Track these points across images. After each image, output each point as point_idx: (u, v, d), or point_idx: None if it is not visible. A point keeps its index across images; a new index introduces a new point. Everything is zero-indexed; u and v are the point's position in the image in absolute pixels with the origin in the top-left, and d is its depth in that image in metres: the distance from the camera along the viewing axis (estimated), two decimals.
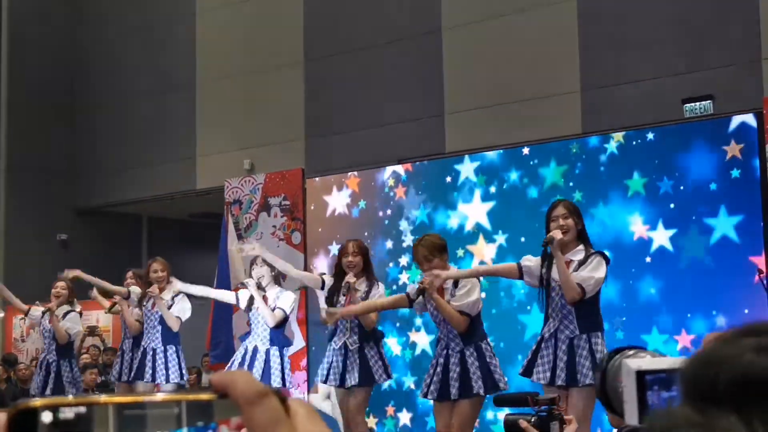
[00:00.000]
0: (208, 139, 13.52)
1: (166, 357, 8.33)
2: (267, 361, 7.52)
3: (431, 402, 6.55)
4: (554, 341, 5.69)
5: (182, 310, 8.38)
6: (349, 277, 6.82)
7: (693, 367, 0.70)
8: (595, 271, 5.63)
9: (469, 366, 6.06)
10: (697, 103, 9.45)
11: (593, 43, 10.31)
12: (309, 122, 12.38)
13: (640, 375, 0.77)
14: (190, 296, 8.42)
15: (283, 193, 11.12)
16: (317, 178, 11.07)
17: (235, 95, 13.20)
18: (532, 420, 3.12)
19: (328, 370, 6.93)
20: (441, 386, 6.14)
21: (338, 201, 10.67)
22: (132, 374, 8.45)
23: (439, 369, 6.21)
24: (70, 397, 0.59)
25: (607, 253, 6.00)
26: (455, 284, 6.17)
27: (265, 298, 7.63)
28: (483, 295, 6.38)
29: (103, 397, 0.60)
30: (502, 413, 4.24)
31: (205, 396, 0.62)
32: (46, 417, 0.58)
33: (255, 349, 7.60)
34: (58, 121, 15.06)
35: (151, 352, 8.35)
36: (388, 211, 10.36)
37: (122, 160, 14.42)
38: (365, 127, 11.74)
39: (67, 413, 0.58)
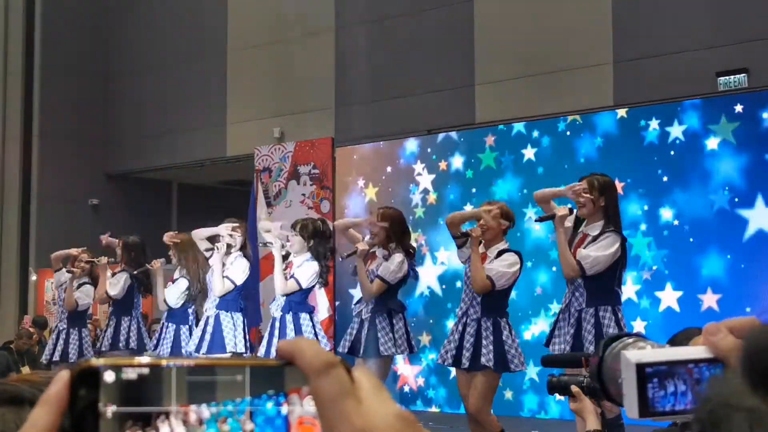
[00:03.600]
0: (238, 106, 13.53)
1: (177, 335, 8.25)
2: (282, 328, 7.25)
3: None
4: (568, 313, 5.75)
5: (171, 294, 8.25)
6: (360, 244, 6.75)
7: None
8: (601, 249, 5.61)
9: (483, 339, 6.06)
10: (732, 77, 9.34)
11: (626, 15, 10.19)
12: (339, 91, 12.36)
13: (640, 368, 0.76)
14: None
15: (313, 162, 11.13)
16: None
17: (266, 63, 13.18)
18: (584, 383, 2.82)
19: (345, 337, 6.91)
20: (456, 353, 6.16)
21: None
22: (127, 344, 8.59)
23: (456, 336, 6.21)
24: (135, 358, 0.59)
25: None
26: (498, 256, 6.14)
27: (290, 264, 7.36)
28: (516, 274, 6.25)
29: (167, 360, 0.60)
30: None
31: (271, 362, 0.61)
32: (109, 377, 0.58)
33: (273, 318, 7.39)
34: (90, 87, 15.13)
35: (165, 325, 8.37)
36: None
37: (153, 126, 14.48)
38: (395, 97, 11.70)
39: (130, 374, 0.59)
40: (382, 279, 6.65)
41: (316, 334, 7.34)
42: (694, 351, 0.79)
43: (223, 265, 7.76)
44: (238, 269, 7.77)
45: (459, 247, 6.41)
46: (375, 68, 11.97)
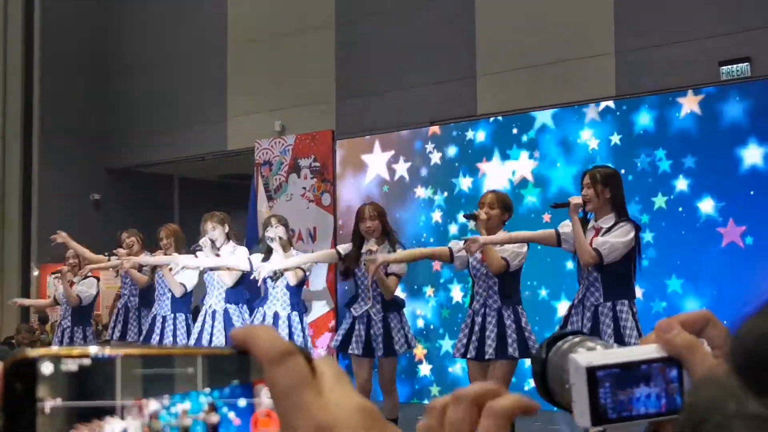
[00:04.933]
0: (239, 100, 13.50)
1: (175, 325, 8.23)
2: (290, 326, 7.28)
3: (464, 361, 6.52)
4: (582, 308, 5.72)
5: (187, 278, 8.23)
6: (371, 245, 6.73)
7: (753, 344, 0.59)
8: (617, 237, 5.61)
9: (506, 327, 6.06)
10: (735, 66, 9.28)
11: (628, 5, 10.14)
12: (339, 84, 12.33)
13: (591, 372, 0.70)
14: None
15: (313, 155, 11.09)
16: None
17: (266, 57, 13.15)
18: None
19: (348, 338, 6.83)
20: (479, 345, 6.14)
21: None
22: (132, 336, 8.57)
23: (476, 328, 6.20)
24: (74, 348, 0.55)
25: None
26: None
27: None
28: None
29: (111, 349, 0.55)
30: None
31: (224, 351, 0.57)
32: (46, 368, 0.54)
33: (276, 315, 7.33)
34: (91, 83, 15.11)
35: (160, 320, 8.29)
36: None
37: (154, 121, 14.46)
38: (396, 89, 11.67)
39: (70, 365, 0.54)
40: (396, 275, 6.75)
41: (305, 331, 7.42)
42: (647, 350, 0.73)
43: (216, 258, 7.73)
44: (242, 257, 7.72)
45: (450, 261, 6.47)
46: (375, 60, 11.93)
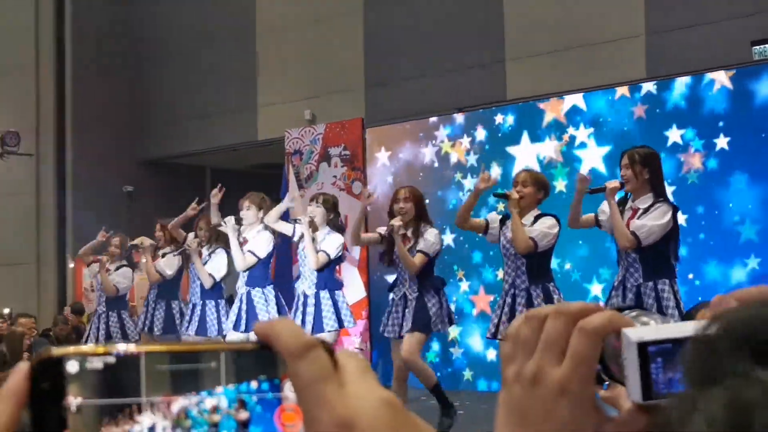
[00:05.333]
0: (268, 89, 13.52)
1: (204, 312, 8.27)
2: (318, 305, 7.24)
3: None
4: (622, 289, 5.70)
5: (216, 267, 8.27)
6: (395, 221, 6.72)
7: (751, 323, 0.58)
8: (654, 219, 5.59)
9: (535, 306, 6.02)
10: (767, 45, 9.16)
11: None
12: (369, 71, 12.31)
13: (642, 347, 0.69)
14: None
15: (343, 143, 11.10)
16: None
17: (295, 45, 13.15)
18: None
19: (387, 320, 6.86)
20: (509, 325, 6.09)
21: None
22: (159, 327, 8.62)
23: (506, 309, 6.18)
24: (99, 346, 0.55)
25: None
26: (535, 222, 6.16)
27: (314, 240, 7.34)
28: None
29: (136, 346, 0.55)
30: None
31: (247, 346, 0.57)
32: (72, 367, 0.54)
33: (305, 295, 7.34)
34: (122, 74, 15.19)
35: (191, 307, 8.39)
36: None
37: (185, 112, 14.51)
38: (425, 76, 11.63)
39: (96, 363, 0.54)
40: (424, 253, 6.67)
41: (348, 312, 7.33)
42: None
43: (245, 240, 7.72)
44: (262, 242, 7.70)
45: (485, 233, 6.43)
46: (404, 47, 11.90)
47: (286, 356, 0.56)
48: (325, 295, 7.26)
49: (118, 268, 9.09)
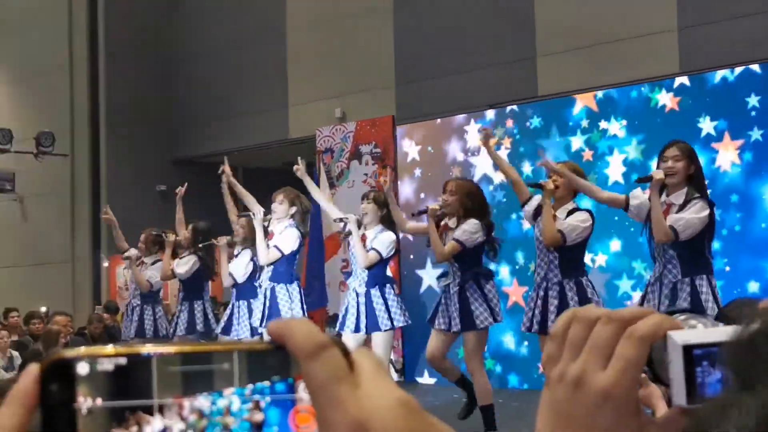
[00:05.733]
0: (299, 87, 13.55)
1: (239, 312, 8.19)
2: (368, 303, 7.10)
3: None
4: (659, 285, 5.64)
5: (236, 268, 8.22)
6: (433, 205, 6.66)
7: None
8: (692, 213, 5.52)
9: (568, 300, 5.98)
10: None
11: None
12: (399, 69, 12.29)
13: (688, 350, 0.68)
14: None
15: (374, 141, 11.09)
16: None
17: (325, 43, 13.16)
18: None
19: (436, 311, 6.75)
20: (542, 319, 6.08)
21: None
22: (182, 328, 8.65)
23: (539, 302, 6.13)
24: (110, 347, 0.54)
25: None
26: (569, 215, 6.11)
27: (363, 238, 7.21)
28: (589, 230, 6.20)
29: (147, 347, 0.54)
30: None
31: (260, 346, 0.56)
32: (83, 369, 0.53)
33: (356, 292, 7.22)
34: (154, 74, 15.29)
35: (230, 307, 8.34)
36: None
37: (217, 111, 14.57)
38: (455, 73, 11.59)
39: (106, 365, 0.53)
40: (457, 241, 6.52)
41: (400, 309, 7.21)
42: None
43: (271, 233, 7.69)
44: (288, 239, 7.61)
45: (522, 205, 6.39)
46: (434, 44, 11.87)
47: (299, 356, 0.55)
48: (375, 292, 7.14)
49: (154, 263, 9.12)
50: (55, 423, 0.53)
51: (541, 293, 6.15)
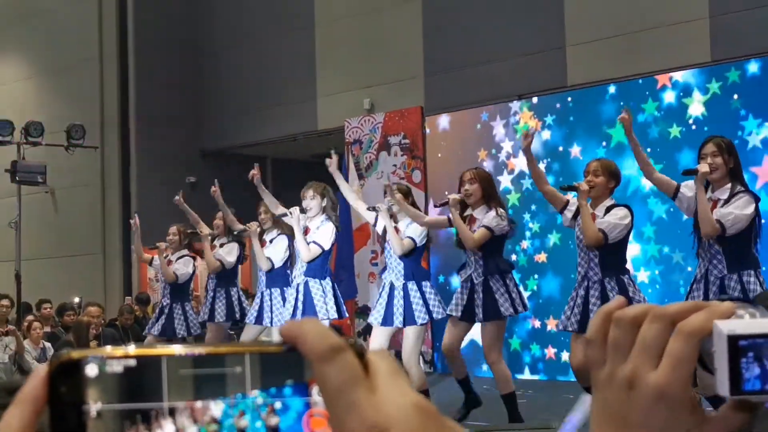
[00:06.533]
0: (327, 79, 13.55)
1: (271, 300, 8.19)
2: (406, 297, 7.04)
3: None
4: (705, 282, 5.60)
5: (275, 251, 8.21)
6: (453, 195, 6.63)
7: None
8: (739, 208, 5.47)
9: (609, 299, 5.90)
10: None
11: None
12: (427, 59, 12.25)
13: (733, 340, 0.67)
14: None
15: (403, 132, 11.07)
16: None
17: (354, 34, 13.15)
18: None
19: (453, 300, 6.77)
20: (581, 318, 6.04)
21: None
22: (221, 314, 8.67)
23: (579, 301, 6.09)
24: (119, 349, 0.53)
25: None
26: (607, 212, 6.04)
27: (396, 229, 7.16)
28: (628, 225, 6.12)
29: (156, 349, 0.53)
30: None
31: (272, 348, 0.54)
32: (91, 370, 0.52)
33: (392, 285, 7.14)
34: (183, 66, 15.35)
35: (259, 295, 8.32)
36: None
37: (246, 102, 14.62)
38: (484, 63, 11.54)
39: (115, 366, 0.52)
40: (487, 228, 6.52)
41: (437, 302, 7.14)
42: None
43: (307, 229, 7.72)
44: (325, 234, 7.63)
45: (560, 211, 6.34)
46: (463, 35, 11.82)
47: (313, 359, 0.53)
48: (413, 286, 7.08)
49: (179, 258, 9.16)
50: (64, 425, 0.52)
51: (582, 292, 6.10)
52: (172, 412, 0.53)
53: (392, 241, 7.11)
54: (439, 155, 10.93)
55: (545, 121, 10.14)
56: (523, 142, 6.35)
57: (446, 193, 6.71)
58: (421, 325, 7.03)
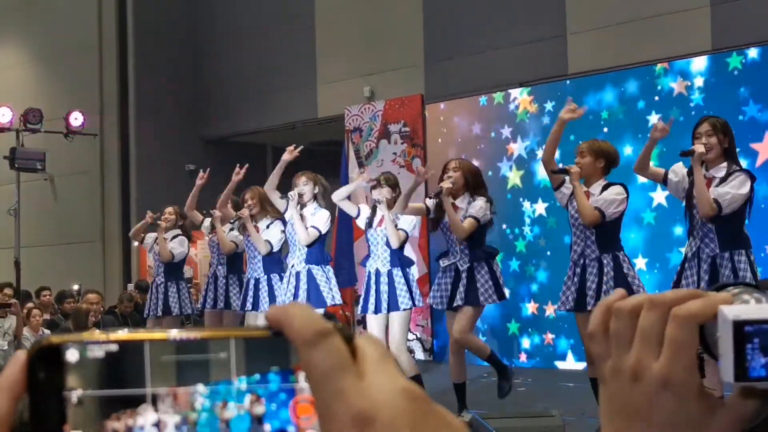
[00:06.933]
0: (327, 67, 13.51)
1: (270, 286, 8.20)
2: (391, 283, 7.20)
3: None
4: (697, 260, 5.62)
5: (272, 235, 8.22)
6: (444, 183, 6.68)
7: None
8: (735, 188, 5.49)
9: (604, 275, 5.94)
10: None
11: None
12: (428, 47, 12.22)
13: (738, 326, 0.65)
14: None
15: (403, 120, 11.05)
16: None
17: (354, 22, 13.11)
18: None
19: (436, 291, 6.84)
20: (578, 297, 6.05)
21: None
22: (220, 303, 8.66)
23: (576, 279, 6.10)
24: (99, 333, 0.52)
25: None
26: (603, 191, 6.04)
27: (382, 219, 7.31)
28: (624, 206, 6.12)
29: (138, 333, 0.52)
30: None
31: (257, 333, 0.53)
32: (72, 355, 0.51)
33: (377, 272, 7.30)
34: (183, 54, 15.31)
35: (254, 282, 8.32)
36: None
37: (245, 90, 14.58)
38: (484, 51, 11.50)
39: (96, 351, 0.51)
40: (474, 218, 6.63)
41: (417, 290, 7.31)
42: None
43: (302, 216, 7.74)
44: (321, 218, 7.73)
45: (555, 189, 6.33)
46: (464, 22, 11.78)
47: (299, 344, 0.52)
48: (398, 272, 7.22)
49: (174, 237, 9.20)
50: (44, 412, 0.51)
51: (578, 270, 6.11)
52: (154, 399, 0.51)
53: (389, 232, 7.20)
54: (439, 141, 10.91)
55: (545, 108, 10.12)
56: (566, 114, 6.09)
57: (440, 185, 6.74)
58: (404, 310, 7.11)
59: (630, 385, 0.70)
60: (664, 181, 5.94)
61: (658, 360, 0.69)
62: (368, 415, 0.51)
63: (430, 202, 7.00)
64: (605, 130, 9.62)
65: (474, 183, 6.80)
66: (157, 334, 0.52)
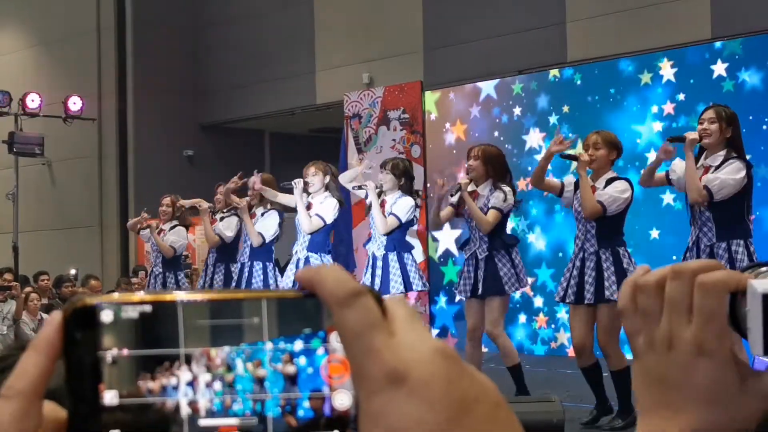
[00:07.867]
0: (326, 53, 13.49)
1: (251, 273, 8.24)
2: (385, 267, 7.21)
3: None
4: (696, 250, 5.60)
5: (266, 227, 8.22)
6: (462, 179, 6.65)
7: None
8: (727, 174, 5.45)
9: (604, 270, 5.94)
10: None
11: None
12: (427, 34, 12.20)
13: None
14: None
15: (402, 107, 11.04)
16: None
17: (354, 8, 13.08)
18: None
19: (459, 279, 6.82)
20: (577, 289, 6.05)
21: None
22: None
23: (575, 272, 6.10)
24: (135, 295, 0.52)
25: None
26: (608, 185, 6.03)
27: (383, 203, 7.29)
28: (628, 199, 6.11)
29: (173, 295, 0.52)
30: None
31: (290, 294, 0.53)
32: (106, 316, 0.51)
33: (374, 256, 7.33)
34: (181, 39, 15.28)
35: (238, 267, 8.36)
36: None
37: (244, 76, 14.56)
38: (484, 38, 11.49)
39: (130, 312, 0.51)
40: (497, 209, 6.55)
41: (417, 275, 7.29)
42: None
43: (310, 205, 7.75)
44: (328, 208, 7.73)
45: (560, 194, 6.35)
46: (463, 9, 11.76)
47: (332, 304, 0.52)
48: (393, 257, 7.21)
49: (171, 228, 9.15)
50: (80, 371, 0.51)
51: (578, 263, 6.11)
52: (188, 359, 0.52)
53: (376, 218, 7.22)
54: (438, 130, 10.90)
55: (541, 98, 10.12)
56: (554, 146, 6.23)
57: (458, 182, 6.72)
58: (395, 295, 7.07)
59: (665, 355, 0.71)
60: (669, 182, 5.90)
61: (690, 328, 0.69)
62: (401, 372, 0.51)
63: (453, 198, 6.95)
64: (603, 118, 9.62)
65: (495, 171, 6.67)
66: (191, 295, 0.53)
